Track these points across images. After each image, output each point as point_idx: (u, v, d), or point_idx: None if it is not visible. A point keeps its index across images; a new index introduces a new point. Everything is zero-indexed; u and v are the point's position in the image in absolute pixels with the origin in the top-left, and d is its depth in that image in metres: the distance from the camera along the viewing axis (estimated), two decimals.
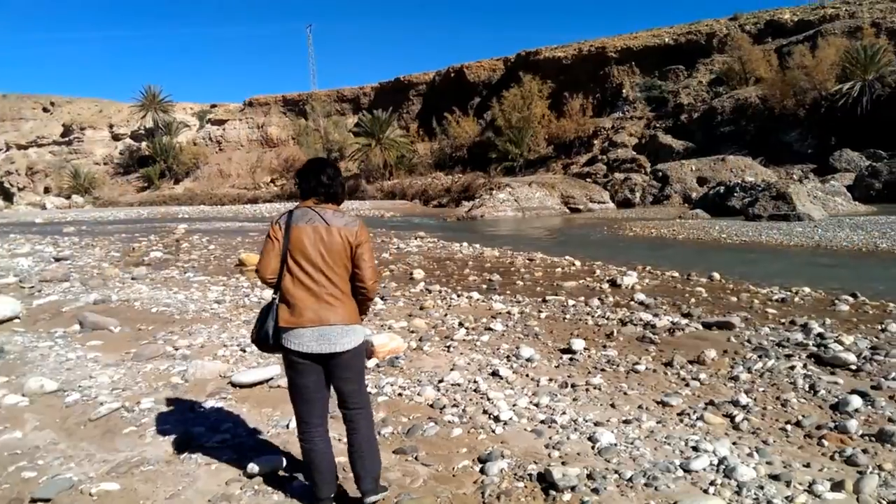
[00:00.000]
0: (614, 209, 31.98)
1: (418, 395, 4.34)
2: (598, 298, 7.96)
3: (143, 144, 75.08)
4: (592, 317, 6.86)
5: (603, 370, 4.92)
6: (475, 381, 4.58)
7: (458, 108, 58.78)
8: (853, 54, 35.86)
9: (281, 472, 3.21)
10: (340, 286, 2.75)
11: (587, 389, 4.44)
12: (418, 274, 10.38)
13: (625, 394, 4.35)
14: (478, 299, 8.04)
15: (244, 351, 5.60)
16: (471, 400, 4.24)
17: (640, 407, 4.08)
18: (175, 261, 13.41)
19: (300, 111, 75.28)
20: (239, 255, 12.99)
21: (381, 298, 8.07)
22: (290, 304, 2.72)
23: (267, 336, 2.75)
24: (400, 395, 4.39)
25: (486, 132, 55.38)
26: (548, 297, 8.04)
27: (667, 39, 52.74)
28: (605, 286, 9.04)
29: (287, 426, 3.80)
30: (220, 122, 79.12)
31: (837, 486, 2.92)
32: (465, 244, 15.71)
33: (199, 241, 18.17)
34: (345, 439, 2.91)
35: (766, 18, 50.45)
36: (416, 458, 3.34)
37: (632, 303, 7.73)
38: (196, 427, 3.80)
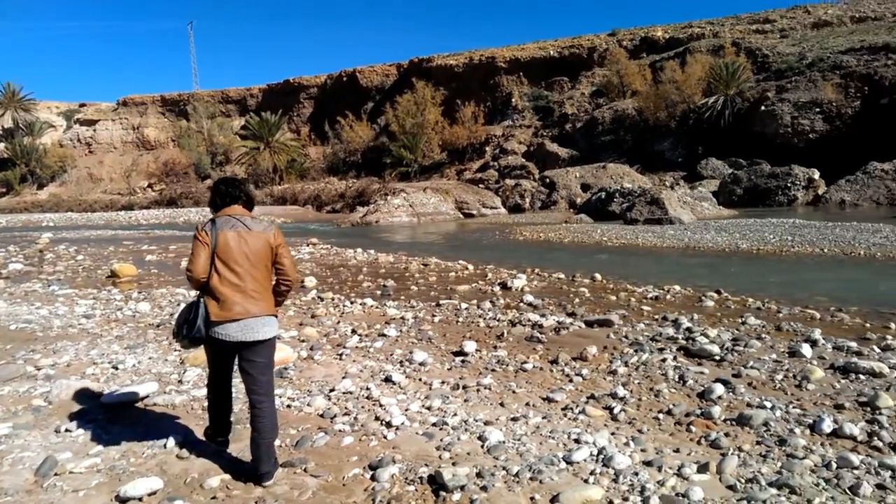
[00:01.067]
0: (506, 214, 32.98)
1: (308, 405, 4.25)
2: (490, 301, 8.18)
3: (2, 146, 67.94)
4: (484, 319, 7.03)
5: (493, 370, 5.06)
6: (367, 388, 4.56)
7: (351, 113, 58.27)
8: (717, 71, 39.36)
9: (157, 497, 3.01)
10: (262, 283, 3.16)
11: (478, 390, 4.54)
12: (310, 282, 10.16)
13: (513, 392, 4.50)
14: (372, 305, 7.99)
15: (116, 368, 5.22)
16: (363, 407, 4.21)
17: (527, 404, 4.23)
18: (38, 273, 12.26)
19: (181, 112, 71.34)
20: (111, 266, 12.09)
21: None
22: (219, 301, 3.06)
23: (200, 331, 3.04)
24: (289, 406, 4.27)
25: (381, 137, 55.35)
26: (441, 301, 8.15)
27: (552, 52, 55.26)
28: (497, 289, 9.30)
29: (164, 446, 3.59)
30: (91, 123, 73.16)
31: (703, 468, 3.18)
32: (359, 250, 15.57)
33: (65, 252, 16.73)
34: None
35: (641, 35, 54.22)
36: (304, 470, 3.26)
37: (521, 304, 8.00)
38: (62, 452, 3.49)
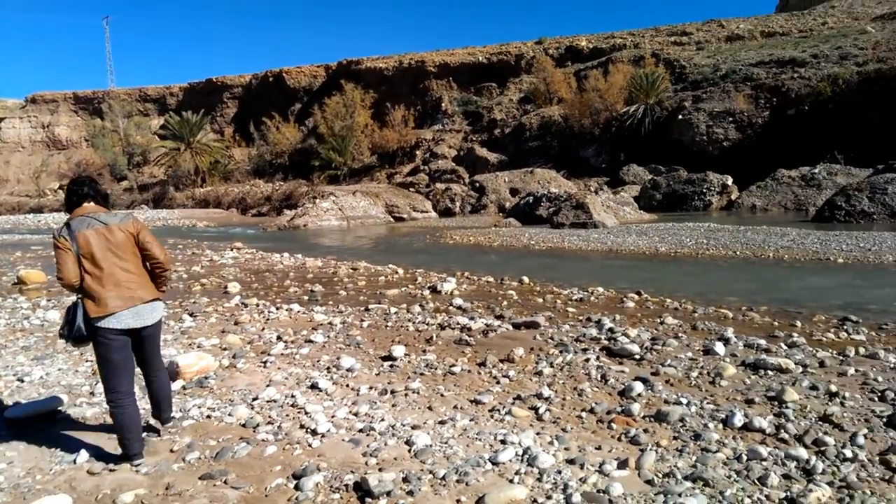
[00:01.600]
0: (436, 218, 33.09)
1: (229, 415, 4.08)
2: (420, 305, 8.15)
3: None
4: (413, 323, 7.00)
5: (422, 374, 5.03)
6: (293, 396, 4.43)
7: (277, 114, 56.97)
8: (638, 80, 41.03)
9: None
10: (135, 271, 3.33)
11: (406, 394, 4.50)
12: (233, 287, 9.82)
13: (442, 395, 4.49)
14: (298, 311, 7.80)
15: (22, 381, 4.86)
16: (287, 415, 4.08)
17: (455, 407, 4.23)
18: None
19: (95, 110, 67.68)
20: (18, 273, 11.27)
21: (191, 315, 7.49)
22: (95, 299, 3.19)
23: (81, 331, 3.20)
24: (209, 417, 4.09)
25: (309, 139, 54.41)
26: (371, 306, 8.05)
27: (480, 58, 56.00)
28: (427, 293, 9.28)
29: (74, 461, 3.36)
30: None
31: (623, 464, 3.26)
32: (286, 254, 15.20)
33: None
34: None
35: (567, 44, 55.82)
36: (225, 482, 3.12)
37: (450, 308, 8.02)
38: None
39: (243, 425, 3.93)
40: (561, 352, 5.57)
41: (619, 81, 41.84)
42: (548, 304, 8.26)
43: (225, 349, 5.89)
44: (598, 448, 3.52)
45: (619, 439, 3.67)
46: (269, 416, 4.06)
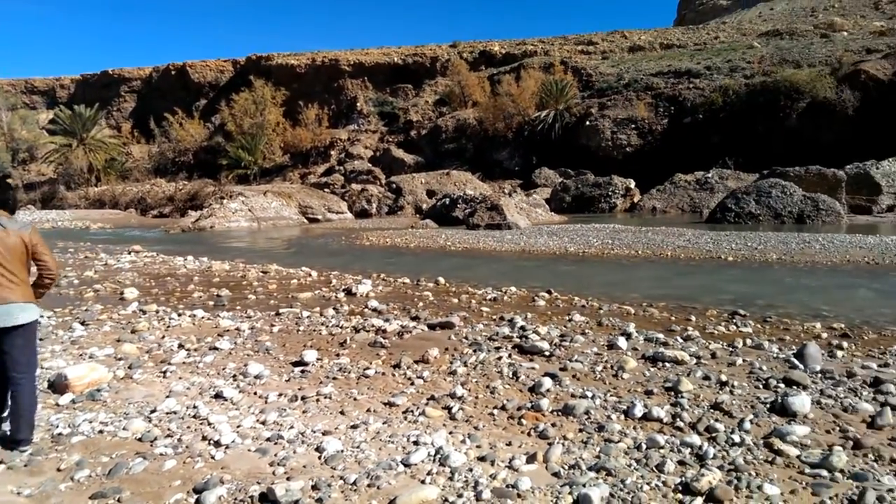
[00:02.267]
0: (352, 219, 32.71)
1: (124, 429, 3.84)
2: (334, 308, 8.02)
3: None
4: (327, 326, 6.87)
5: (335, 379, 4.95)
6: (195, 407, 4.23)
7: (181, 110, 54.33)
8: (548, 87, 42.37)
9: None
10: (19, 275, 3.51)
11: (318, 400, 4.41)
12: (130, 293, 9.26)
13: (355, 399, 4.43)
14: (203, 317, 7.47)
15: None
16: (189, 427, 3.89)
17: (368, 410, 4.19)
18: None
19: None
20: None
21: (82, 324, 7.00)
22: None
23: None
24: (101, 432, 3.83)
25: (215, 137, 52.34)
26: (281, 310, 7.84)
27: (396, 59, 55.95)
28: (341, 295, 9.15)
29: None
30: None
31: (531, 458, 3.35)
32: (190, 258, 14.51)
33: None
34: None
35: (481, 48, 56.80)
36: (118, 501, 2.94)
37: (366, 310, 7.94)
38: None
39: (139, 439, 3.71)
40: (475, 351, 5.64)
41: (531, 87, 43.06)
42: (463, 305, 8.36)
43: (120, 359, 5.55)
44: (509, 444, 3.59)
45: (529, 434, 3.76)
46: (169, 429, 3.86)
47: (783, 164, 26.04)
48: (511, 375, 4.93)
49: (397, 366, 5.25)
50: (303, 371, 5.16)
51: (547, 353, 5.52)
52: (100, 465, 3.36)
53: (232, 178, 46.21)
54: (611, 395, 4.38)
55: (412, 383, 4.80)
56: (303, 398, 4.45)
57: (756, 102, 34.64)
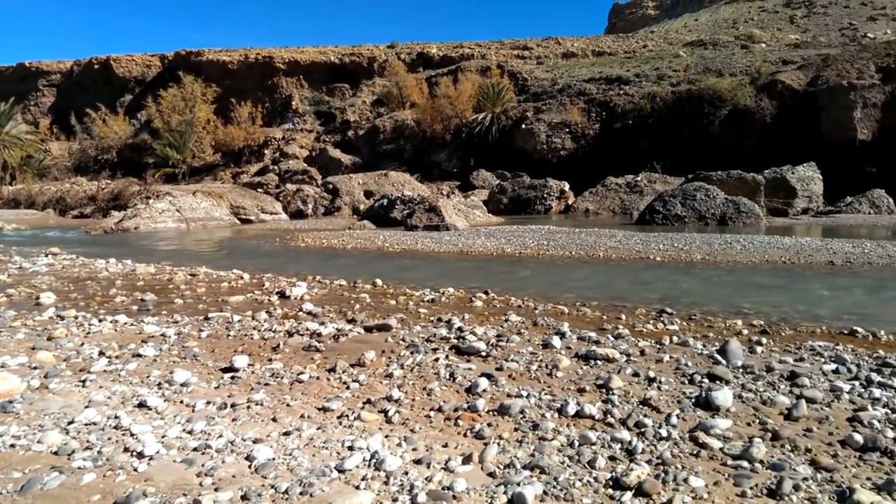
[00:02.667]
0: (287, 220, 32.03)
1: (38, 442, 3.59)
2: (267, 311, 7.81)
3: None
4: (259, 331, 6.68)
5: (267, 384, 4.80)
6: (116, 417, 4.01)
7: (104, 106, 51.76)
8: (485, 90, 42.86)
9: None
10: None
11: (248, 407, 4.27)
12: (47, 298, 8.72)
13: (288, 405, 4.32)
14: (126, 323, 7.11)
15: None
16: (110, 439, 3.69)
17: (302, 416, 4.09)
18: None
19: None
20: None
21: None
22: None
23: None
24: (13, 446, 3.57)
25: (142, 134, 50.19)
26: (211, 315, 7.56)
27: (332, 58, 55.21)
28: (275, 298, 8.92)
29: None
30: None
31: (467, 459, 3.35)
32: (112, 260, 13.82)
33: None
34: None
35: (418, 50, 56.82)
36: None
37: (300, 313, 7.77)
38: None
39: (55, 453, 3.48)
40: (412, 353, 5.61)
41: (468, 90, 43.43)
42: (400, 307, 8.31)
43: (35, 368, 5.20)
44: (445, 445, 3.59)
45: (465, 435, 3.77)
46: (88, 441, 3.64)
47: (707, 168, 27.31)
48: (448, 377, 4.93)
49: (332, 370, 5.15)
50: (233, 377, 4.99)
51: (484, 354, 5.55)
52: (11, 481, 3.13)
53: (159, 177, 44.40)
54: (545, 394, 4.45)
55: (348, 387, 4.72)
56: (233, 405, 4.30)
57: (682, 109, 36.19)
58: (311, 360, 5.53)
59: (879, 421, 3.81)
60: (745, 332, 6.64)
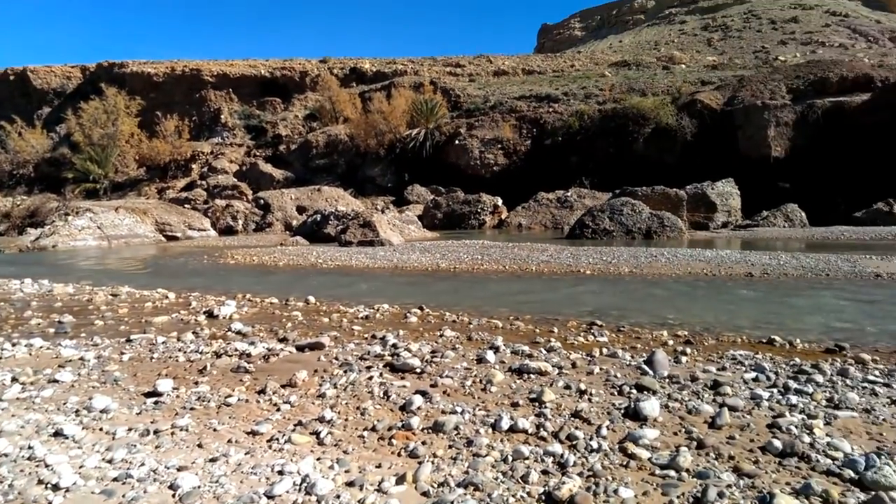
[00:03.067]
0: (216, 237, 31.05)
1: None
2: (193, 332, 7.51)
3: None
4: (185, 353, 6.41)
5: (192, 409, 4.61)
6: (30, 447, 3.75)
7: (20, 118, 48.86)
8: (418, 106, 43.15)
9: None
10: None
11: (172, 433, 4.09)
12: None
13: (215, 430, 4.16)
14: (41, 347, 6.68)
15: None
16: (22, 471, 3.44)
17: (229, 441, 3.95)
18: None
19: None
20: None
21: None
22: None
23: None
24: None
25: (60, 148, 47.60)
26: (133, 336, 7.21)
27: (263, 71, 54.25)
28: (202, 318, 8.60)
29: None
30: None
31: (401, 479, 3.32)
32: (27, 281, 12.99)
33: None
34: None
35: (351, 65, 56.63)
36: None
37: (229, 333, 7.53)
38: None
39: None
40: (345, 372, 5.53)
41: (402, 105, 43.62)
42: (334, 324, 8.18)
43: None
44: (379, 466, 3.54)
45: (399, 454, 3.73)
46: None
47: (633, 183, 28.43)
48: (382, 395, 4.88)
49: (262, 391, 5.01)
50: (156, 402, 4.77)
51: (418, 370, 5.54)
52: None
53: (79, 192, 42.13)
54: (479, 410, 4.47)
55: (278, 409, 4.60)
56: (156, 432, 4.10)
57: (608, 127, 37.60)
58: (240, 381, 5.36)
59: (796, 426, 4.03)
60: (671, 342, 6.91)
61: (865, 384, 5.05)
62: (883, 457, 3.47)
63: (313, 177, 41.66)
